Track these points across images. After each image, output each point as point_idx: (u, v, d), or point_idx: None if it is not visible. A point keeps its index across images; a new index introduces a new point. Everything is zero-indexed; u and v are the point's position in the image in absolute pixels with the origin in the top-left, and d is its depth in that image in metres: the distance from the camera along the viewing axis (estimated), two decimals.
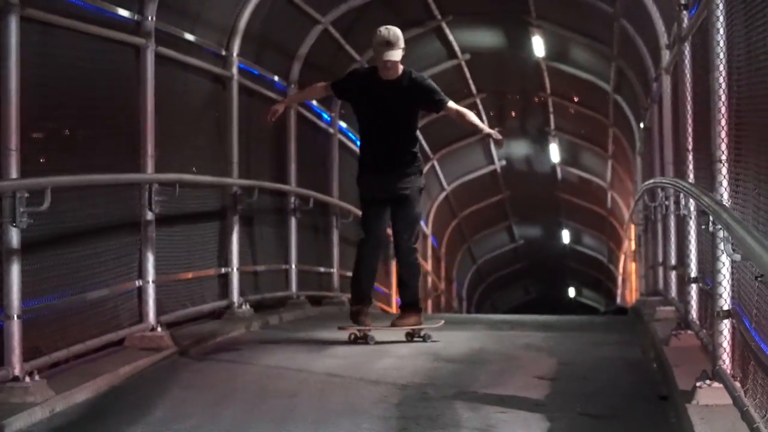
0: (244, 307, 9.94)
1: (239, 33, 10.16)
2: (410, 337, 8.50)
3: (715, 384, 5.43)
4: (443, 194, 22.47)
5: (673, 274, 9.67)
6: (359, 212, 9.60)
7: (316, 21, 12.07)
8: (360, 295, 8.53)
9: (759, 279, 4.54)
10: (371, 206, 8.48)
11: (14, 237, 5.99)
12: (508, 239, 29.39)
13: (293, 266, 11.76)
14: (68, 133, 7.31)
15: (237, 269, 9.95)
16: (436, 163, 20.79)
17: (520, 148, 23.12)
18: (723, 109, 5.55)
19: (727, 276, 5.47)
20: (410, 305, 8.59)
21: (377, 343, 8.32)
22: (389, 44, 8.04)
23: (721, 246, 5.26)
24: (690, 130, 7.54)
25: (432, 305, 21.71)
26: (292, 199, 11.79)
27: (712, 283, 5.62)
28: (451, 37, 15.64)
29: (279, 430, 5.49)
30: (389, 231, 8.78)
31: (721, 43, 5.55)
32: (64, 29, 6.90)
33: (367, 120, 8.43)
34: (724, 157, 5.57)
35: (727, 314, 5.46)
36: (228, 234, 9.91)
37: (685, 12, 7.72)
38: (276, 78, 11.64)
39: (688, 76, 7.63)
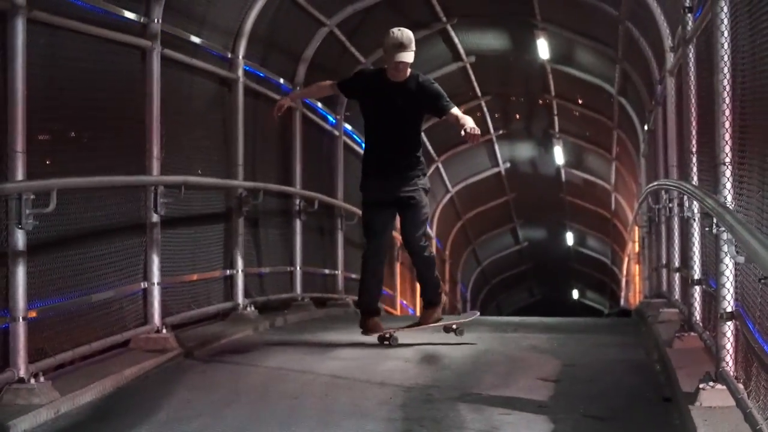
0: (249, 308, 9.96)
1: (245, 35, 10.18)
2: (448, 330, 8.58)
3: (719, 386, 5.44)
4: (448, 196, 22.48)
5: (676, 276, 9.68)
6: None
7: (322, 23, 12.08)
8: (370, 307, 8.56)
9: (762, 281, 4.56)
10: (374, 212, 8.40)
11: (20, 239, 5.99)
12: (512, 241, 29.40)
13: (298, 268, 11.76)
14: (74, 135, 7.32)
15: (242, 271, 9.97)
16: (440, 166, 20.80)
17: (524, 151, 23.14)
18: (727, 112, 5.56)
19: (731, 278, 5.48)
20: (429, 303, 8.65)
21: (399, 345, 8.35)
22: (402, 46, 8.00)
23: (725, 248, 5.28)
24: (694, 132, 7.54)
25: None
26: (297, 201, 11.79)
27: (716, 285, 5.63)
28: (456, 40, 15.65)
29: (283, 431, 5.50)
30: (394, 233, 8.77)
31: (726, 46, 5.56)
32: (70, 31, 6.91)
33: (374, 120, 8.39)
34: (728, 160, 5.58)
35: (731, 316, 5.47)
36: (233, 236, 9.92)
37: (689, 15, 7.72)
38: (282, 80, 11.65)
39: (692, 78, 7.63)
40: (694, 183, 7.40)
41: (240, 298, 9.93)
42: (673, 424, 5.65)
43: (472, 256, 28.06)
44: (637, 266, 19.39)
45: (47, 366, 6.29)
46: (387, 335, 8.42)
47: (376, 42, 13.22)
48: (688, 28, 7.74)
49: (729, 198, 5.57)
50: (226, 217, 9.91)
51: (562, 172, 23.52)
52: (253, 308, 10.02)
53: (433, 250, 8.65)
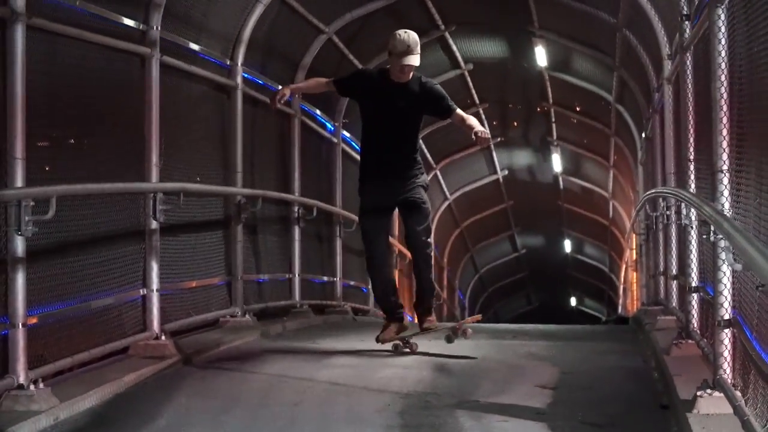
0: (247, 315, 9.96)
1: (244, 42, 10.21)
2: (455, 332, 8.53)
3: (716, 393, 5.45)
4: (446, 203, 22.49)
5: (674, 284, 9.68)
6: None
7: (320, 30, 12.11)
8: (390, 309, 8.54)
9: (760, 288, 4.57)
10: (372, 218, 8.36)
11: (19, 245, 6.00)
12: (510, 248, 29.40)
13: (297, 275, 11.78)
14: (73, 142, 7.33)
15: (241, 278, 9.98)
16: (438, 173, 20.81)
17: (522, 158, 23.15)
18: (724, 119, 5.58)
19: (728, 285, 5.49)
20: (427, 311, 8.60)
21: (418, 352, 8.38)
22: (409, 48, 7.98)
23: (723, 255, 5.29)
24: (691, 139, 7.55)
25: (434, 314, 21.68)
26: (296, 208, 11.80)
27: (713, 292, 5.64)
28: (454, 47, 15.68)
29: None
30: (391, 239, 8.75)
31: (723, 53, 5.57)
32: (69, 38, 6.93)
33: (374, 122, 8.30)
34: (725, 167, 5.59)
35: (728, 323, 5.48)
36: (232, 243, 9.93)
37: (687, 22, 7.74)
38: (280, 87, 11.63)
39: (689, 86, 7.64)
40: (691, 190, 7.40)
41: (239, 305, 9.94)
42: (671, 431, 5.66)
43: (470, 263, 28.06)
44: (634, 273, 19.38)
45: (47, 372, 6.29)
46: (400, 342, 8.42)
47: (375, 49, 13.31)
48: (686, 35, 7.75)
49: (726, 205, 5.58)
50: (225, 224, 9.92)
51: (560, 179, 23.53)
52: (251, 315, 10.03)
53: (433, 256, 8.61)
